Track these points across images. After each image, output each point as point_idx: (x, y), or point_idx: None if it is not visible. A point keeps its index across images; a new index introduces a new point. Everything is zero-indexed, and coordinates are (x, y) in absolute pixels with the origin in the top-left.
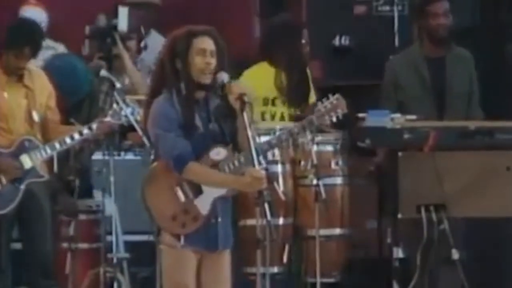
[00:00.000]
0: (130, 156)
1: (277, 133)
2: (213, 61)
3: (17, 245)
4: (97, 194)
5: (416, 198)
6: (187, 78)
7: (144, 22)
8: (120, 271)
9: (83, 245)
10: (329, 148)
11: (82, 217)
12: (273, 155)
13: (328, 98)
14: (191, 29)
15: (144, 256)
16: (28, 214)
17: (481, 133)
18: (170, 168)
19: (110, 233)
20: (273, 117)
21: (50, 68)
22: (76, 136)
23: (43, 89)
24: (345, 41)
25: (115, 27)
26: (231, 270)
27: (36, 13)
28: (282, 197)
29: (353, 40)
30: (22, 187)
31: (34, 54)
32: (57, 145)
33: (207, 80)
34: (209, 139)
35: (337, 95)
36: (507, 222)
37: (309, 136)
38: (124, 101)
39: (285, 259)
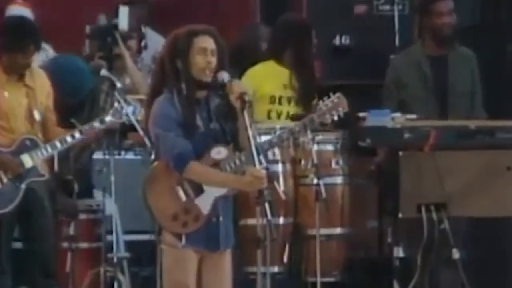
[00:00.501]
0: (130, 156)
1: (278, 132)
2: (213, 60)
3: (18, 245)
4: (98, 194)
5: (416, 198)
6: (187, 78)
7: (138, 19)
8: (120, 270)
9: (84, 245)
10: (330, 147)
11: (83, 216)
12: (274, 154)
13: (329, 97)
14: (191, 28)
15: (144, 256)
16: (29, 213)
17: (481, 132)
18: (171, 168)
19: (111, 233)
20: (279, 115)
21: (53, 68)
22: (77, 135)
23: (43, 88)
24: (345, 40)
25: (116, 27)
26: (232, 269)
27: (23, 13)
28: (283, 196)
29: (354, 40)
30: (23, 186)
31: (37, 50)
32: (58, 144)
33: (207, 79)
34: (210, 138)
35: (338, 94)
36: (507, 221)
37: (309, 135)
38: (125, 100)
39: (285, 259)
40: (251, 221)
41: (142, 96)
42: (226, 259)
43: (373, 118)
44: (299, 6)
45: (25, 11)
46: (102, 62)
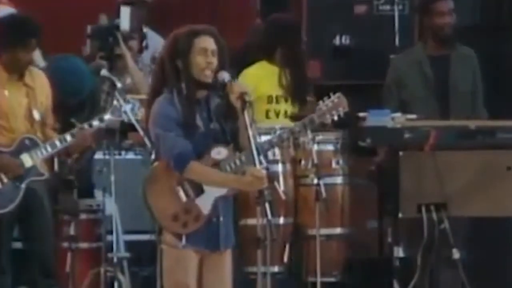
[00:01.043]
0: (130, 156)
1: (278, 132)
2: (214, 61)
3: (18, 244)
4: (98, 194)
5: (416, 198)
6: (188, 78)
7: (137, 19)
8: (120, 270)
9: (84, 245)
10: (330, 147)
11: (83, 216)
12: (274, 154)
13: (329, 97)
14: (192, 28)
15: (144, 256)
16: (29, 213)
17: (481, 132)
18: (171, 168)
19: (111, 233)
20: (277, 115)
21: (54, 68)
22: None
23: (43, 88)
24: (345, 40)
25: (117, 27)
26: (232, 269)
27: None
28: (283, 196)
29: (354, 40)
30: (23, 186)
31: (38, 45)
32: (58, 143)
33: (208, 79)
34: (210, 138)
35: (338, 94)
36: (507, 221)
37: (309, 135)
38: (124, 98)
39: (285, 259)
40: (251, 221)
41: (143, 96)
42: (226, 259)
43: (373, 118)
44: (299, 6)
45: (11, 11)
46: (103, 62)
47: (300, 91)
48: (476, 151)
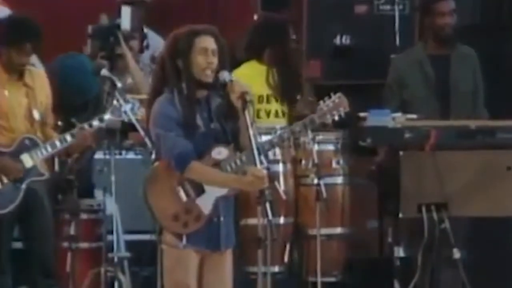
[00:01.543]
0: (131, 156)
1: (279, 132)
2: (214, 60)
3: (18, 244)
4: (98, 193)
5: (417, 198)
6: (188, 78)
7: (137, 19)
8: (121, 270)
9: (84, 245)
10: (330, 147)
11: (83, 216)
12: (274, 154)
13: (330, 97)
14: (192, 28)
15: (145, 256)
16: (29, 213)
17: (482, 132)
18: (172, 168)
19: (111, 233)
20: (268, 114)
21: (61, 67)
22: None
23: (43, 88)
24: (346, 40)
25: (118, 26)
26: (232, 269)
27: (1, 12)
28: (283, 196)
29: (354, 40)
30: (23, 186)
31: (35, 50)
32: (58, 143)
33: (208, 79)
34: (211, 138)
35: (339, 94)
36: (508, 221)
37: (310, 135)
38: (124, 98)
39: (286, 259)
40: (251, 221)
41: (144, 96)
42: (227, 259)
43: (373, 118)
44: (300, 6)
45: (4, 10)
46: (104, 62)
47: (289, 90)
48: (477, 151)
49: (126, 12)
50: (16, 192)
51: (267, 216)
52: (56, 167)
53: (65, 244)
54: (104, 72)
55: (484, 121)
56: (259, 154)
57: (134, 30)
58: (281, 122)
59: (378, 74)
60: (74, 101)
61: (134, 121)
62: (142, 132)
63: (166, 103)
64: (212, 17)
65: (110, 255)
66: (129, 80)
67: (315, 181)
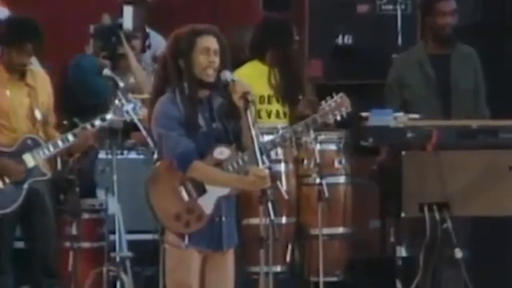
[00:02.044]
0: (133, 155)
1: (281, 131)
2: (216, 60)
3: (19, 244)
4: (100, 193)
5: (419, 197)
6: (190, 77)
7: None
8: (123, 270)
9: (86, 244)
10: (332, 147)
11: (85, 216)
12: (276, 154)
13: (332, 97)
14: (194, 27)
15: (147, 255)
16: (31, 213)
17: (484, 132)
18: (174, 167)
19: (113, 232)
20: (269, 115)
21: (76, 68)
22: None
23: (44, 88)
24: (348, 40)
25: (120, 26)
26: (234, 269)
27: (1, 13)
28: (285, 196)
29: (356, 39)
30: (25, 186)
31: (36, 51)
32: (60, 143)
33: (210, 79)
34: (212, 138)
35: (341, 94)
36: (510, 221)
37: (312, 135)
38: (125, 98)
39: (288, 258)
40: (253, 221)
41: (146, 96)
42: (228, 259)
43: (375, 118)
44: (301, 5)
45: (2, 10)
46: (106, 61)
47: (290, 91)
48: (479, 151)
49: (128, 11)
50: (18, 192)
51: (269, 215)
52: (59, 167)
53: (67, 244)
54: (106, 71)
55: (486, 121)
56: (261, 153)
57: (136, 30)
58: (282, 123)
59: (380, 74)
60: (86, 102)
61: (136, 120)
62: (144, 132)
63: (168, 102)
64: (213, 17)
65: (112, 254)
66: (131, 80)
67: (317, 180)
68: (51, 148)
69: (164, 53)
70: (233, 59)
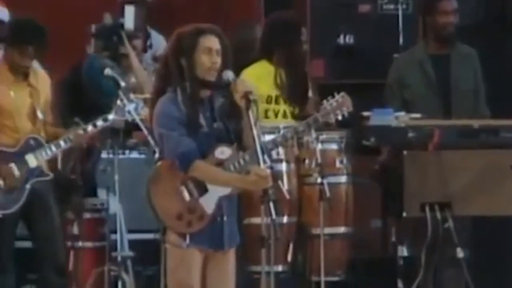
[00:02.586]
0: (134, 155)
1: (282, 131)
2: (218, 60)
3: (21, 244)
4: (102, 193)
5: (420, 197)
6: (192, 77)
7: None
8: (124, 269)
9: (88, 244)
10: (334, 146)
11: (87, 215)
12: (278, 153)
13: (333, 96)
14: (197, 27)
15: (148, 255)
16: (34, 213)
17: (485, 131)
18: (176, 167)
19: (115, 232)
20: (276, 115)
21: (90, 69)
22: (81, 133)
23: (44, 88)
24: (349, 39)
25: (121, 26)
26: (236, 268)
27: (1, 13)
28: (287, 195)
29: (357, 39)
30: (28, 186)
31: (38, 54)
32: (62, 143)
33: (212, 78)
34: (213, 138)
35: (342, 93)
36: (511, 220)
37: (313, 135)
38: (127, 97)
39: (289, 258)
40: (255, 220)
41: (148, 95)
42: (230, 258)
43: (377, 117)
44: (303, 5)
45: (1, 10)
46: (108, 61)
47: (297, 91)
48: (480, 150)
49: (129, 11)
50: (20, 192)
51: (270, 215)
52: (59, 167)
53: (69, 243)
54: (108, 71)
55: (487, 121)
56: (263, 153)
57: (138, 30)
58: (289, 123)
59: (381, 74)
60: (99, 101)
61: (138, 120)
62: (145, 132)
63: (168, 102)
64: (213, 17)
65: (113, 254)
66: (133, 80)
67: (319, 180)
68: (54, 149)
69: (166, 52)
70: (236, 58)
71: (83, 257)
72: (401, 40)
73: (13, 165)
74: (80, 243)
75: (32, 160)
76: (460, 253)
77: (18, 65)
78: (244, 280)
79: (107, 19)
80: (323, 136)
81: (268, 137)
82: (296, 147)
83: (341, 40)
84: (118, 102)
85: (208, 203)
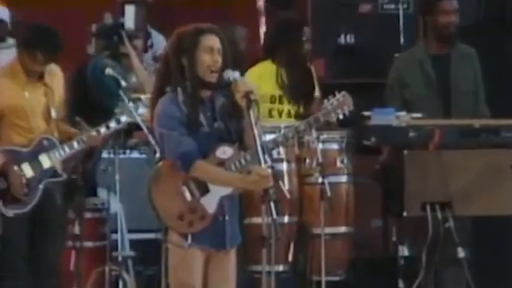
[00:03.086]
0: (135, 155)
1: (283, 131)
2: (219, 60)
3: None
4: (103, 193)
5: (421, 196)
6: (192, 76)
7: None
8: (125, 269)
9: (89, 243)
10: (334, 146)
11: (88, 215)
12: (279, 153)
13: (334, 96)
14: (198, 26)
15: (149, 255)
16: (43, 214)
17: (486, 131)
18: (177, 167)
19: (115, 231)
20: (280, 114)
21: (93, 69)
22: (94, 134)
23: (58, 86)
24: (350, 39)
25: (122, 25)
26: (237, 268)
27: (2, 12)
28: (287, 195)
29: (358, 39)
30: (41, 187)
31: (48, 59)
32: (76, 144)
33: (212, 78)
34: (214, 138)
35: (343, 92)
36: None
37: (314, 134)
38: (128, 97)
39: (290, 257)
40: (256, 220)
41: (148, 95)
42: (231, 258)
43: (377, 117)
44: (304, 5)
45: (2, 10)
46: (109, 61)
47: (300, 91)
48: (481, 150)
49: (130, 11)
50: (33, 192)
51: (271, 215)
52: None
53: (70, 243)
54: (109, 71)
55: (488, 120)
56: (263, 153)
57: (138, 29)
58: (293, 122)
59: (382, 73)
60: (104, 102)
61: (139, 120)
62: (146, 131)
63: (169, 102)
64: (214, 16)
65: (114, 254)
66: (133, 80)
67: (319, 180)
68: (67, 149)
69: (167, 52)
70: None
71: (83, 256)
72: (401, 40)
73: (26, 165)
74: (81, 243)
75: (45, 161)
76: (460, 252)
77: (28, 69)
78: (245, 279)
79: (108, 18)
80: (324, 136)
81: (269, 137)
82: (296, 146)
83: (341, 39)
84: (130, 104)
85: (210, 203)
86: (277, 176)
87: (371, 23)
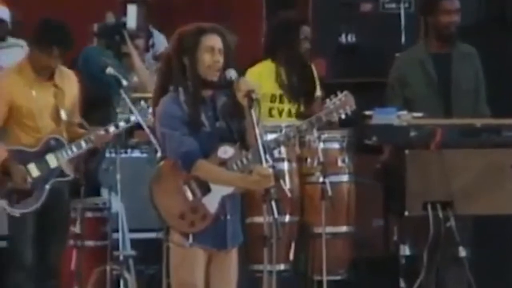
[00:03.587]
0: (136, 154)
1: (284, 130)
2: (221, 59)
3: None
4: (104, 192)
5: (422, 196)
6: (194, 75)
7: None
8: (126, 269)
9: (90, 243)
10: (336, 145)
11: (89, 214)
12: (280, 152)
13: (336, 95)
14: (199, 26)
15: (150, 254)
16: (50, 214)
17: (487, 130)
18: (179, 167)
19: (117, 231)
20: (280, 113)
21: (85, 62)
22: (103, 133)
23: (71, 88)
24: (351, 38)
25: (124, 25)
26: (238, 267)
27: (2, 12)
28: (289, 194)
29: (359, 38)
30: (47, 186)
31: (63, 55)
32: (83, 144)
33: (214, 78)
34: (216, 137)
35: (345, 92)
36: None
37: (315, 134)
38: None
39: (291, 257)
40: (257, 219)
41: (150, 95)
42: (232, 257)
43: (379, 116)
44: (305, 4)
45: (2, 9)
46: (107, 59)
47: (300, 90)
48: (482, 149)
49: (132, 10)
50: (40, 191)
51: (272, 214)
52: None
53: (71, 242)
54: (110, 70)
55: (490, 120)
56: (265, 152)
57: (140, 29)
58: (293, 121)
59: (383, 73)
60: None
61: (140, 120)
62: (147, 131)
63: (170, 102)
64: (214, 16)
65: (115, 253)
66: (135, 79)
67: (321, 179)
68: (74, 149)
69: (168, 51)
70: None
71: (85, 256)
72: (403, 39)
73: (32, 165)
74: (82, 242)
75: (52, 160)
76: (462, 252)
77: (45, 66)
78: (246, 279)
79: (109, 18)
80: (325, 135)
81: (270, 136)
82: (297, 146)
83: (343, 39)
84: (142, 103)
85: (211, 202)
86: (278, 175)
87: (372, 23)
